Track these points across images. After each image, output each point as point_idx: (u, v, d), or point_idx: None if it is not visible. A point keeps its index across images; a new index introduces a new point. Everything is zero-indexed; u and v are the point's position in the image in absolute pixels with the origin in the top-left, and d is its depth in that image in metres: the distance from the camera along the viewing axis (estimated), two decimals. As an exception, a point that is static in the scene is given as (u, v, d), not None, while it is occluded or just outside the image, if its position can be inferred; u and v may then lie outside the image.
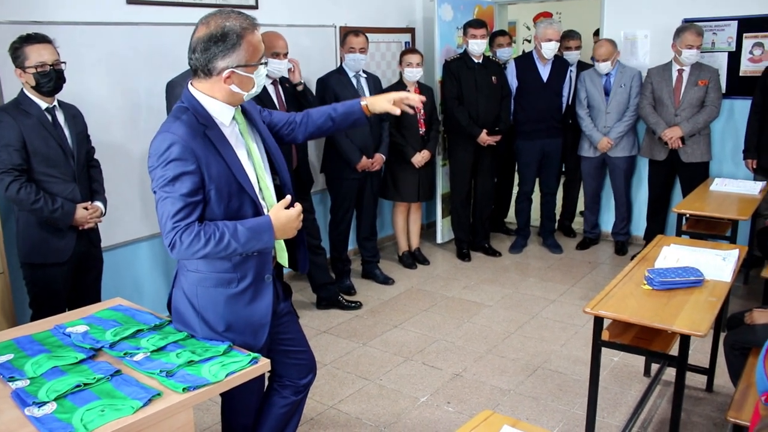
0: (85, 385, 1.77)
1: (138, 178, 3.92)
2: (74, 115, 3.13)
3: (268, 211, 2.08)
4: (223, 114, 2.03)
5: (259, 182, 2.09)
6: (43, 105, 2.96)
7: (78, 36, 3.57)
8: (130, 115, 3.85)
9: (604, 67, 5.27)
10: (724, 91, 5.11)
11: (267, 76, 3.95)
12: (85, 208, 3.07)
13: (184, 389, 1.76)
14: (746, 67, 5.15)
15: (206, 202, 1.96)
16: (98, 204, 3.17)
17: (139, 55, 3.86)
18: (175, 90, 3.43)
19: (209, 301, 2.07)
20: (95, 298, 3.17)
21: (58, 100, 3.06)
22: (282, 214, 2.02)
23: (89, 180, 3.21)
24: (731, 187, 4.56)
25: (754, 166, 4.87)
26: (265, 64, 2.04)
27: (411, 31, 5.99)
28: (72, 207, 3.00)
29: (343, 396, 3.48)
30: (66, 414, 1.64)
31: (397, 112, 2.39)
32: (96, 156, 3.32)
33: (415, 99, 2.42)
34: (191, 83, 2.04)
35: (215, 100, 2.01)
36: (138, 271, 4.09)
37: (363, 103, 2.37)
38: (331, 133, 2.52)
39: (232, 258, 2.04)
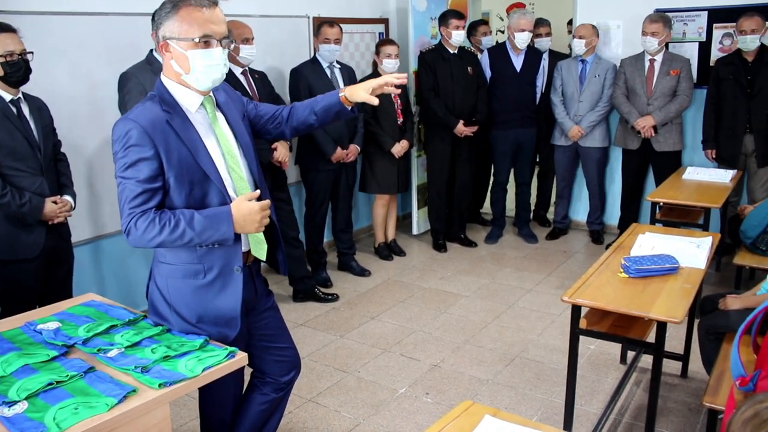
0: (58, 383, 1.72)
1: (107, 171, 3.83)
2: (39, 107, 3.05)
3: None
4: (190, 101, 2.00)
5: (230, 173, 2.05)
6: (8, 97, 2.88)
7: (42, 26, 3.47)
8: (98, 107, 3.77)
9: (578, 44, 5.29)
10: (695, 80, 5.16)
11: (236, 63, 3.93)
12: (54, 202, 2.99)
13: (160, 385, 1.72)
14: (716, 57, 5.20)
15: (166, 190, 1.93)
16: (67, 198, 3.10)
17: (107, 46, 3.78)
18: (129, 82, 3.33)
19: (179, 293, 2.04)
20: (66, 294, 3.10)
21: (23, 92, 2.98)
22: (244, 206, 1.97)
23: (57, 174, 3.14)
24: (703, 175, 4.62)
25: (714, 156, 4.95)
26: (206, 43, 1.93)
27: (385, 21, 5.96)
28: (40, 201, 2.93)
29: (321, 389, 3.45)
30: (38, 413, 1.59)
31: (375, 101, 2.31)
32: (62, 149, 3.24)
33: (393, 79, 2.28)
34: (162, 72, 2.02)
35: (181, 86, 1.99)
36: (111, 267, 4.02)
37: (341, 94, 2.29)
38: (317, 128, 2.44)
39: (197, 249, 2.00)
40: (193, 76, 1.96)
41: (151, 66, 3.36)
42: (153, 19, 3.21)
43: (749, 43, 4.56)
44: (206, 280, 2.04)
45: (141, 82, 3.29)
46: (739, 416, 1.13)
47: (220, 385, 2.01)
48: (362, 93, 2.26)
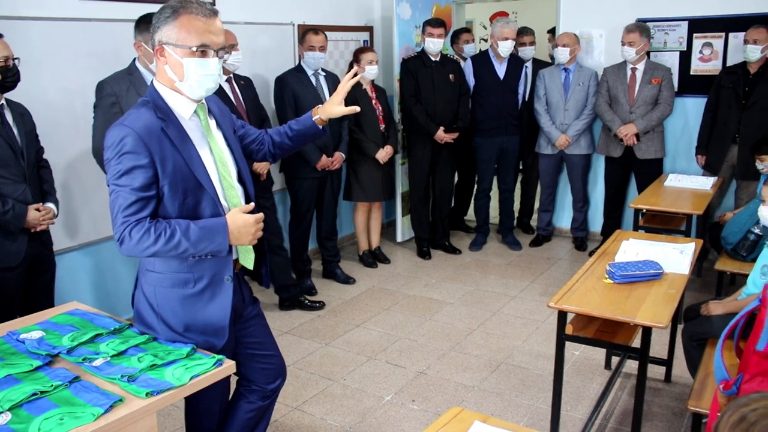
0: (42, 393, 1.70)
1: (90, 179, 3.80)
2: (22, 113, 3.01)
3: None
4: (183, 108, 1.99)
5: (222, 182, 2.04)
6: (-9, 103, 2.85)
7: (26, 32, 3.44)
8: (83, 113, 3.73)
9: (562, 52, 5.33)
10: (676, 89, 5.22)
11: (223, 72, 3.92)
12: (37, 210, 2.96)
13: (147, 394, 1.70)
14: (696, 66, 5.29)
15: (160, 198, 1.91)
16: (50, 205, 3.06)
17: (92, 53, 3.75)
18: (101, 91, 3.29)
19: (167, 301, 2.02)
20: (48, 303, 3.06)
21: (6, 98, 2.94)
22: (239, 218, 1.97)
23: (40, 181, 3.10)
24: (685, 182, 4.68)
25: (703, 163, 5.01)
26: (203, 53, 1.93)
27: (369, 29, 5.98)
28: (24, 209, 2.89)
29: (306, 397, 3.44)
30: (22, 424, 1.57)
31: (356, 109, 2.37)
32: (45, 156, 3.21)
33: (348, 80, 2.34)
34: (155, 77, 2.00)
35: (175, 93, 1.98)
36: (94, 275, 3.98)
37: (315, 117, 2.33)
38: (295, 151, 2.47)
39: (188, 258, 1.99)
40: (187, 83, 1.95)
41: (131, 76, 3.32)
42: (138, 23, 3.20)
43: (749, 53, 4.62)
44: (196, 290, 2.02)
45: (114, 93, 3.25)
46: (725, 420, 1.13)
47: (207, 393, 2.00)
48: (338, 108, 2.32)
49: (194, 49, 1.91)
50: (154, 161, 1.87)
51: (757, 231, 3.76)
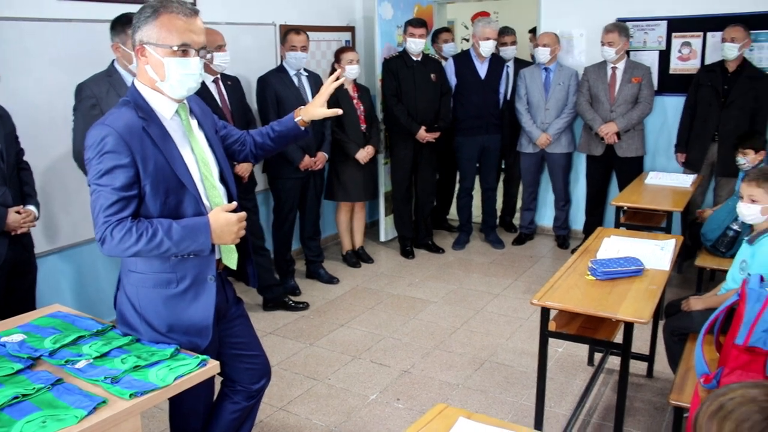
0: (24, 396, 1.68)
1: (71, 181, 3.76)
2: (1, 115, 2.97)
3: None
4: (164, 108, 1.98)
5: (204, 181, 2.04)
6: (-31, 104, 2.81)
7: (3, 32, 3.40)
8: (63, 115, 3.69)
9: (542, 52, 5.37)
10: (655, 88, 5.28)
11: (209, 72, 3.91)
12: (18, 212, 2.92)
13: (130, 395, 1.69)
14: (675, 65, 5.35)
15: (141, 198, 1.91)
16: (31, 208, 3.02)
17: (72, 54, 3.71)
18: (80, 93, 3.26)
19: (149, 302, 2.01)
20: (29, 306, 3.02)
21: (-16, 100, 2.91)
22: (221, 217, 1.97)
23: (20, 183, 3.06)
24: (665, 180, 4.73)
25: (683, 160, 5.06)
26: (184, 52, 1.92)
27: (351, 29, 5.98)
28: (3, 211, 2.85)
29: (291, 397, 3.43)
30: (3, 428, 1.55)
31: (338, 112, 2.37)
32: (26, 158, 3.17)
33: (331, 83, 2.35)
34: (136, 77, 1.99)
35: (156, 92, 1.97)
36: (76, 279, 3.94)
37: (297, 118, 2.33)
38: (277, 152, 2.48)
39: (171, 258, 1.98)
40: (168, 83, 1.94)
41: (110, 77, 3.30)
42: (114, 25, 3.16)
43: (727, 51, 4.67)
44: (179, 290, 2.01)
45: (94, 95, 3.22)
46: (704, 410, 1.15)
47: (192, 394, 1.99)
48: (320, 110, 2.33)
49: (175, 48, 1.90)
50: (135, 161, 1.86)
51: (735, 227, 3.81)
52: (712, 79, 4.80)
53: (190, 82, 1.96)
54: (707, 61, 5.13)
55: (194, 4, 4.39)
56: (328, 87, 2.35)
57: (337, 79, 2.37)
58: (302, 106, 2.38)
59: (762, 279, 2.44)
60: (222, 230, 1.97)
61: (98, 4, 3.83)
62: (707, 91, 4.82)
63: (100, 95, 3.21)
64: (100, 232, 1.85)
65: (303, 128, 2.36)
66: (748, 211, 2.86)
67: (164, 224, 1.88)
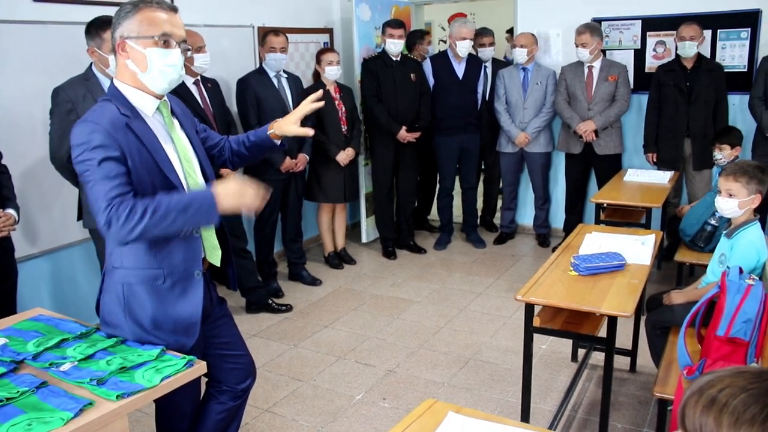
0: (8, 399, 1.65)
1: (49, 185, 3.71)
2: (-22, 118, 2.94)
3: None
4: (146, 105, 1.98)
5: (187, 177, 2.03)
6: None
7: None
8: (41, 118, 3.64)
9: (519, 53, 5.41)
10: (632, 86, 5.35)
11: (190, 74, 3.88)
12: (-3, 216, 2.88)
13: (117, 396, 1.67)
14: (651, 64, 5.42)
15: None
16: (11, 212, 2.98)
17: (49, 56, 3.67)
18: (57, 97, 3.23)
19: (136, 299, 1.99)
20: (10, 310, 2.98)
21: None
22: (231, 182, 1.91)
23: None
24: (643, 177, 4.79)
25: (655, 160, 5.13)
26: (166, 42, 1.92)
27: (329, 31, 5.98)
28: (-18, 215, 2.82)
29: (277, 399, 3.42)
30: (-12, 431, 1.53)
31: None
32: (3, 161, 3.13)
33: (309, 103, 2.33)
34: (115, 77, 1.99)
35: (137, 90, 1.96)
36: (56, 283, 3.89)
37: (270, 131, 2.31)
38: (253, 162, 2.46)
39: (157, 253, 1.96)
40: (150, 75, 1.93)
41: (87, 81, 3.26)
42: (88, 29, 3.12)
43: (687, 49, 4.75)
44: (166, 285, 1.99)
45: (70, 99, 3.19)
46: (692, 403, 1.15)
47: (178, 395, 1.97)
48: (293, 127, 2.30)
49: (157, 38, 1.91)
50: (124, 154, 1.85)
51: (713, 222, 3.86)
52: (674, 78, 4.89)
53: (172, 73, 1.96)
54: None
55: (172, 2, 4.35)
56: (306, 106, 2.32)
57: (319, 100, 2.36)
58: (278, 119, 2.35)
59: (741, 271, 2.48)
60: (228, 192, 1.90)
61: (74, 6, 3.79)
62: (671, 89, 4.91)
63: (76, 99, 3.18)
64: (105, 216, 1.79)
65: (277, 142, 2.33)
66: (725, 206, 2.90)
67: (167, 196, 1.85)
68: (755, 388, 1.09)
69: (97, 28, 3.16)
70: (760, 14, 4.96)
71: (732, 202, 2.88)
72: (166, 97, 2.05)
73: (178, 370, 1.83)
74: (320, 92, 2.41)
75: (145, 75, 1.94)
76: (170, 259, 1.99)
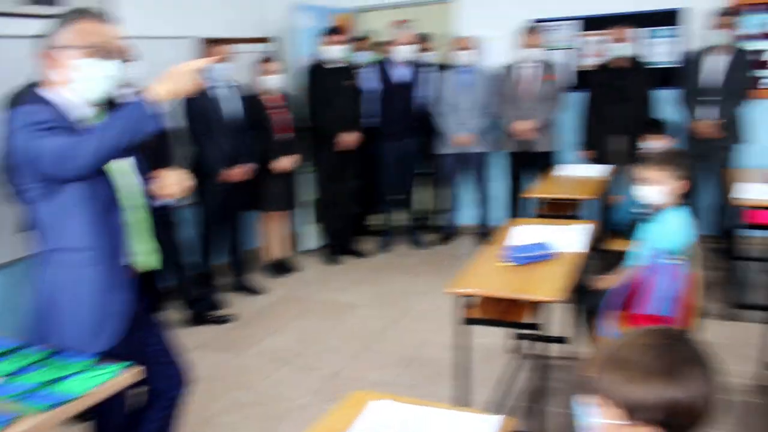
0: (-66, 418, 1.63)
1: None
2: None
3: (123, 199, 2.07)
4: (75, 114, 1.98)
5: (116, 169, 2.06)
6: None
7: None
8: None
9: (460, 56, 5.53)
10: (567, 85, 5.55)
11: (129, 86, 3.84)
12: None
13: (48, 407, 1.66)
14: (588, 63, 5.62)
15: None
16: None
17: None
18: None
19: (67, 291, 2.00)
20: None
21: None
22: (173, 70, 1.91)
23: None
24: (578, 171, 4.92)
25: (591, 157, 5.31)
26: (102, 53, 1.95)
27: (271, 40, 5.98)
28: None
29: (220, 408, 3.40)
30: None
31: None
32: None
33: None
34: (46, 85, 1.99)
35: (67, 98, 1.97)
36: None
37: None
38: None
39: (82, 240, 1.97)
40: (83, 84, 1.95)
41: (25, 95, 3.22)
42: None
43: (616, 50, 4.98)
44: (97, 275, 2.01)
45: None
46: (601, 364, 1.23)
47: (114, 404, 1.96)
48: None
49: (92, 49, 1.93)
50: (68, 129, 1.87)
51: (640, 210, 4.01)
52: (607, 78, 5.11)
53: (105, 84, 1.98)
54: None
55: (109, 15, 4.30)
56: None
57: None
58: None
59: (655, 253, 2.59)
60: (166, 78, 1.90)
61: (11, 19, 3.73)
62: (605, 89, 5.13)
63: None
64: (71, 156, 1.80)
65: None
66: (643, 192, 3.02)
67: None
68: (662, 344, 1.19)
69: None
70: (682, 12, 5.27)
71: (648, 189, 2.97)
72: (101, 108, 2.06)
73: (111, 378, 1.82)
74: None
75: (78, 84, 1.95)
76: (100, 243, 2.00)
